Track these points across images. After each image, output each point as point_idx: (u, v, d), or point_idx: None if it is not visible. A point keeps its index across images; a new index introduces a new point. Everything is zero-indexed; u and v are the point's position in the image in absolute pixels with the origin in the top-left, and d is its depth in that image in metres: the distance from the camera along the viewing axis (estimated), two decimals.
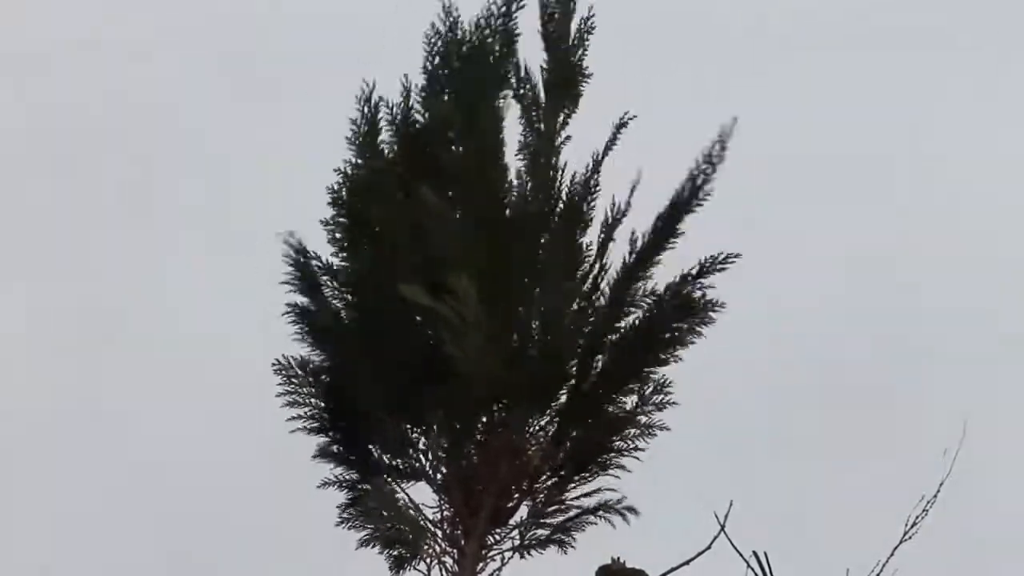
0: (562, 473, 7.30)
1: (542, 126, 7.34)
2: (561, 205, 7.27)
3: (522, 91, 7.37)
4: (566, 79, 7.42)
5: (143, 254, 12.85)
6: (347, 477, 7.41)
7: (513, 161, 7.31)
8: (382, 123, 7.33)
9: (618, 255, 7.23)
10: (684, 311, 7.16)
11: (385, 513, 7.03)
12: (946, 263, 12.17)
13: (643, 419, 7.30)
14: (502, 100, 7.29)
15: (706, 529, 7.28)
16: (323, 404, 7.42)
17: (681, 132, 7.41)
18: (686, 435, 7.56)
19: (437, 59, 7.32)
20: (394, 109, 7.34)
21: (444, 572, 7.06)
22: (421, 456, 7.23)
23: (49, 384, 12.20)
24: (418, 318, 7.04)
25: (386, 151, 7.35)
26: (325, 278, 7.39)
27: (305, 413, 7.42)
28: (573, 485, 7.31)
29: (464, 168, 7.16)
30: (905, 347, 11.95)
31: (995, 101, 13.32)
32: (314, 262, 7.38)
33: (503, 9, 7.31)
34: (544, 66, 7.42)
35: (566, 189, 7.30)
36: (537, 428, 7.25)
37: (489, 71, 7.28)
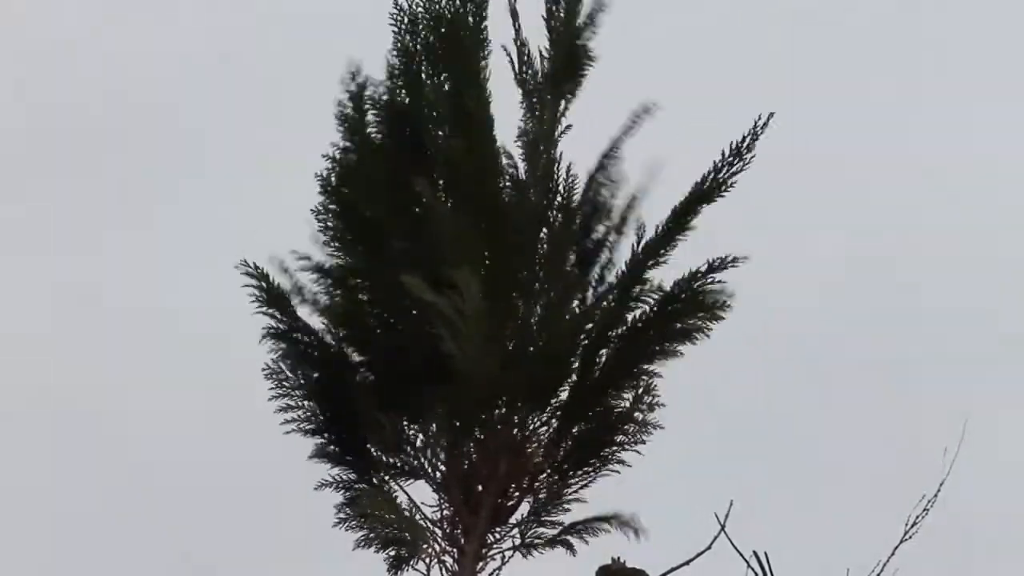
0: (563, 469, 7.23)
1: (545, 115, 7.09)
2: (559, 198, 7.13)
3: (524, 75, 7.13)
4: (569, 63, 7.13)
5: (143, 254, 12.86)
6: (344, 477, 7.32)
7: (509, 148, 7.13)
8: (367, 104, 7.14)
9: (627, 249, 7.13)
10: (693, 307, 7.05)
11: (379, 514, 6.92)
12: (946, 263, 12.18)
13: (640, 416, 7.22)
14: (484, 67, 7.02)
15: (706, 529, 7.27)
16: (316, 406, 7.31)
17: (681, 132, 7.39)
18: (686, 435, 7.54)
19: (407, 36, 7.09)
20: (380, 88, 7.15)
21: (444, 571, 6.98)
22: (419, 454, 7.15)
23: (49, 384, 12.19)
24: (414, 312, 6.94)
25: (373, 133, 7.16)
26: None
27: (299, 416, 7.31)
28: (574, 482, 7.25)
29: (454, 158, 6.98)
30: (905, 347, 11.95)
31: (995, 101, 13.32)
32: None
33: None
34: (542, 51, 7.15)
35: (569, 180, 7.13)
36: (538, 424, 7.17)
37: (469, 49, 7.01)
